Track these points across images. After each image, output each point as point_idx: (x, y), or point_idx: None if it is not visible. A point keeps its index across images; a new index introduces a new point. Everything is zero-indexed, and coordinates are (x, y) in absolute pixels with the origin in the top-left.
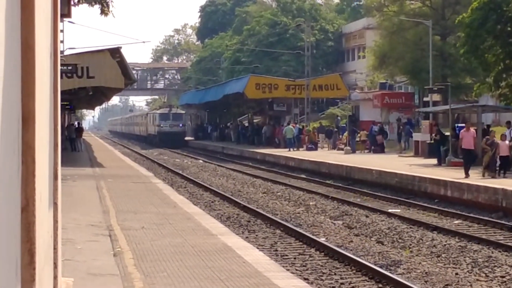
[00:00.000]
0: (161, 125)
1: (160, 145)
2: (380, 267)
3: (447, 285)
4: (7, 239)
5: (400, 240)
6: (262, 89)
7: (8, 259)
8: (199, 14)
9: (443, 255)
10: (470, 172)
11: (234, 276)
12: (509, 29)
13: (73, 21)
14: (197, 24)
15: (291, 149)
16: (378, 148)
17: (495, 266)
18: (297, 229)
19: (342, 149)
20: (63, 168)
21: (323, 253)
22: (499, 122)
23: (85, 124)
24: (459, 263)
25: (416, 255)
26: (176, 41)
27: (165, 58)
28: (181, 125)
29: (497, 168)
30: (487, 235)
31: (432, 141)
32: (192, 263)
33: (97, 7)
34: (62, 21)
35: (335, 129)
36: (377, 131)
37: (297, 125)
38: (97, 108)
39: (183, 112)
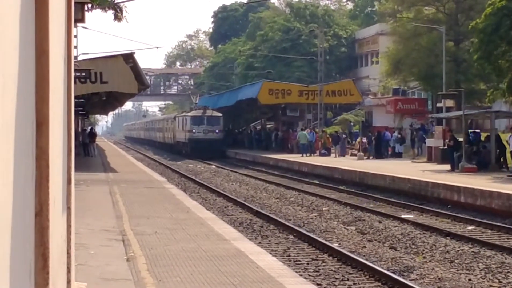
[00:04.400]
0: (193, 131)
1: (191, 155)
2: (393, 272)
3: None
4: (21, 243)
5: (413, 246)
6: (275, 94)
7: (22, 263)
8: (212, 19)
9: (456, 261)
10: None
11: (247, 281)
12: None
13: (86, 26)
14: (210, 30)
15: (304, 155)
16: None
17: (508, 272)
18: (310, 234)
19: (355, 155)
20: (76, 173)
21: (336, 259)
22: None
23: (98, 129)
24: (472, 269)
25: (429, 261)
26: (189, 47)
27: (178, 63)
28: (217, 131)
29: None
30: (500, 241)
31: (446, 147)
32: (205, 268)
33: (110, 13)
34: (75, 26)
35: (343, 135)
36: (373, 136)
37: (312, 131)
38: (110, 114)
39: (220, 115)
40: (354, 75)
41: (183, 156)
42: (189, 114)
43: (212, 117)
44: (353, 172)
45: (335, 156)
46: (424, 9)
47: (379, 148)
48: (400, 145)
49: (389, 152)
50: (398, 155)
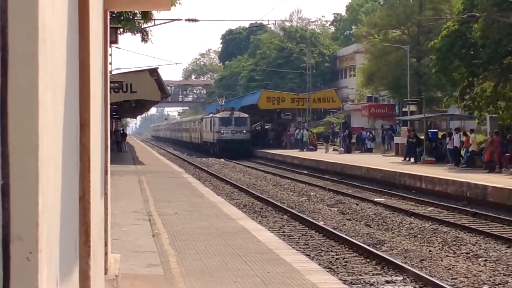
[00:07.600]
0: (222, 132)
1: (220, 155)
2: (368, 245)
3: (422, 260)
4: (68, 222)
5: (384, 224)
6: (272, 101)
7: (69, 238)
8: (220, 41)
9: (419, 235)
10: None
11: (250, 253)
12: (472, 52)
13: (119, 46)
14: (219, 49)
15: (305, 149)
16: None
17: (461, 244)
18: (301, 214)
19: (337, 150)
20: (111, 165)
21: (321, 234)
22: (463, 128)
23: (128, 130)
24: (432, 242)
25: (397, 236)
26: (202, 63)
27: (193, 76)
28: (245, 131)
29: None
30: (454, 219)
31: (410, 143)
32: (216, 242)
33: (138, 36)
34: (110, 46)
35: (343, 134)
36: (347, 135)
37: (301, 131)
38: (139, 117)
39: (247, 116)
40: (335, 86)
41: (211, 155)
42: (217, 115)
43: (239, 118)
44: (335, 164)
45: (326, 152)
46: (391, 32)
47: (350, 144)
48: (371, 142)
49: (363, 148)
50: (369, 150)
